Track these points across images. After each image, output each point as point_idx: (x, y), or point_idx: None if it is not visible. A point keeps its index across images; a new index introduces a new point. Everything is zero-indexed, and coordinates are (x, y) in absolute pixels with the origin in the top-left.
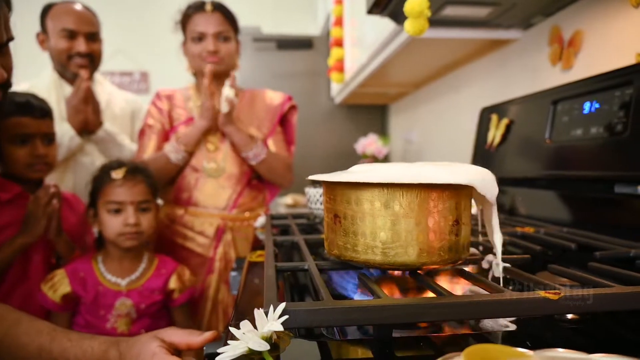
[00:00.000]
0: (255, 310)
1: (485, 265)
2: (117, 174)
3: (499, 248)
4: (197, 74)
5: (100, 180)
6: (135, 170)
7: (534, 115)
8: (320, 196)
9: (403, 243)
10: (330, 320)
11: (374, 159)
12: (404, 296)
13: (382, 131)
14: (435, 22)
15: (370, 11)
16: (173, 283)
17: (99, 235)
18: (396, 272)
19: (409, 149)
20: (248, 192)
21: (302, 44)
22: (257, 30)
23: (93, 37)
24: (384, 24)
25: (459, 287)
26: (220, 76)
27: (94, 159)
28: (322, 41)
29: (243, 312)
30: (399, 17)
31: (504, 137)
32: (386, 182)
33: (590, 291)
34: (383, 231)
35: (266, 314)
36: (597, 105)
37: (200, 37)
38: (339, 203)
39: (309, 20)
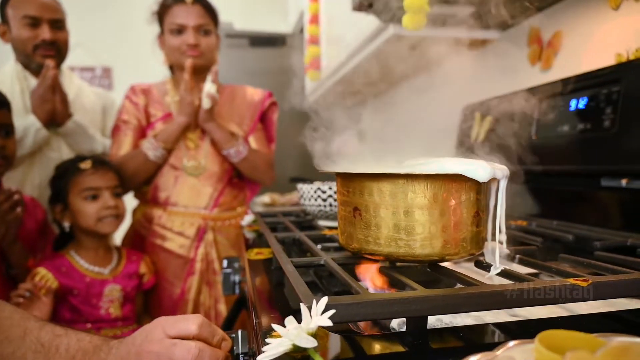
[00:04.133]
0: (301, 305)
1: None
2: (85, 165)
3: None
4: (175, 67)
5: (67, 173)
6: (101, 161)
7: (520, 112)
8: (315, 192)
9: (427, 235)
10: (372, 314)
11: None
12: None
13: (356, 129)
14: None
15: (356, 8)
16: (143, 268)
17: (61, 233)
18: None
19: (384, 148)
20: (229, 191)
21: (275, 41)
22: (229, 26)
23: (58, 24)
24: (365, 22)
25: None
26: (199, 71)
27: (62, 154)
28: (296, 39)
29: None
30: (384, 14)
31: (489, 134)
32: (410, 173)
33: (618, 277)
34: (407, 223)
35: (309, 309)
36: (584, 102)
37: (180, 30)
38: (359, 195)
39: (279, 17)
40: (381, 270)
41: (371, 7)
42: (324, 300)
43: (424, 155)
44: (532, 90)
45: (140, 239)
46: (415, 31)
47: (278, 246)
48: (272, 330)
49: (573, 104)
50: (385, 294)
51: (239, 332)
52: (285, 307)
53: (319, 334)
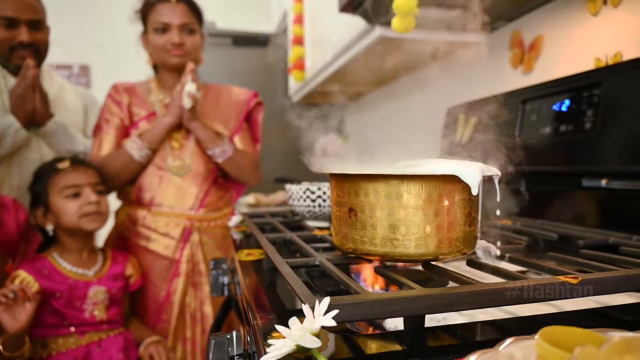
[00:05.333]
0: (303, 306)
1: (479, 253)
2: (63, 164)
3: None
4: (160, 67)
5: (45, 175)
6: (79, 160)
7: (504, 114)
8: (304, 193)
9: (423, 235)
10: (373, 313)
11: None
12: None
13: (339, 130)
14: None
15: (343, 9)
16: (129, 269)
17: (45, 238)
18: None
19: (365, 149)
20: (215, 191)
21: (259, 41)
22: (212, 25)
23: (37, 25)
24: (352, 23)
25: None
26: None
27: (43, 155)
28: (279, 39)
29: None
30: (371, 16)
31: (473, 135)
32: (406, 174)
33: (606, 274)
34: (403, 223)
35: (311, 309)
36: (566, 105)
37: (164, 28)
38: (354, 196)
39: (262, 17)
40: (376, 270)
41: (358, 9)
42: (326, 300)
43: (406, 155)
44: (515, 93)
45: (124, 241)
46: (405, 33)
47: (271, 247)
48: (272, 331)
49: (556, 106)
50: (385, 294)
51: (233, 333)
52: (280, 308)
53: (321, 334)
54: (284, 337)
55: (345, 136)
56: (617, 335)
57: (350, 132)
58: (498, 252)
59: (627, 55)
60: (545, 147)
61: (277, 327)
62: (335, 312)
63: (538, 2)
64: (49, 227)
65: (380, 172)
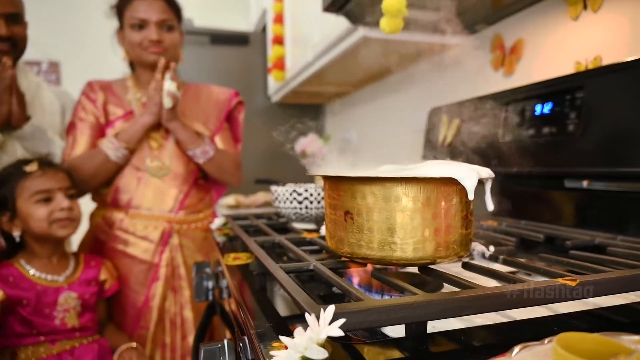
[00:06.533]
0: (307, 316)
1: (473, 255)
2: (31, 167)
3: None
4: (137, 64)
5: (12, 179)
6: (48, 162)
7: (487, 116)
8: (290, 194)
9: (421, 238)
10: (379, 321)
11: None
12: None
13: (319, 131)
14: None
15: (327, 9)
16: (104, 274)
17: (8, 241)
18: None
19: (346, 149)
20: (195, 193)
21: (237, 39)
22: (189, 22)
23: (15, 18)
24: (334, 23)
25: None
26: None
27: (17, 158)
28: (258, 38)
29: (254, 319)
30: (354, 15)
31: (456, 137)
32: (404, 176)
33: (603, 276)
34: (401, 226)
35: (317, 318)
36: (549, 107)
37: (141, 25)
38: (350, 199)
39: (240, 15)
40: (373, 275)
41: (342, 9)
42: (331, 308)
43: (389, 157)
44: (499, 95)
45: (100, 245)
46: (393, 34)
47: (262, 251)
48: (271, 340)
49: (538, 108)
50: (390, 300)
51: (224, 342)
52: (274, 315)
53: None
54: (286, 347)
55: (325, 137)
56: (626, 338)
57: (331, 132)
58: (491, 254)
59: (607, 59)
60: (528, 148)
61: (282, 338)
62: (342, 321)
63: (519, 5)
64: (16, 233)
65: (378, 175)
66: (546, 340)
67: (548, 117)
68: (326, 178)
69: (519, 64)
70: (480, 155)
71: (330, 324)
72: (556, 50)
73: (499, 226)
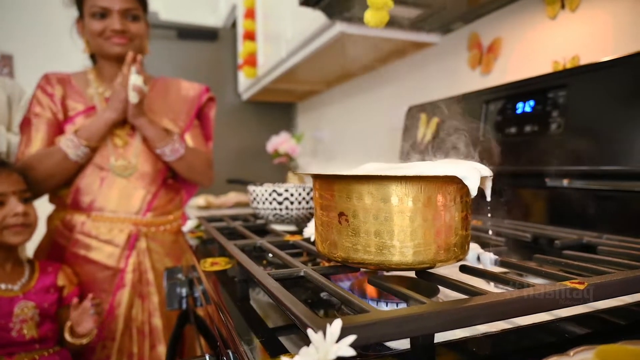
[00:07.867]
0: (312, 333)
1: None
2: None
3: None
4: (99, 56)
5: None
6: (0, 162)
7: (467, 114)
8: (270, 195)
9: (422, 241)
10: (388, 334)
11: (288, 157)
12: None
13: (290, 129)
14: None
15: (304, 3)
16: (62, 280)
17: None
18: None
19: (318, 148)
20: (164, 193)
21: (206, 34)
22: (154, 16)
23: None
24: (310, 18)
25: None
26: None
27: None
28: (227, 33)
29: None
30: (332, 10)
31: (435, 135)
32: (405, 175)
33: (607, 278)
34: (401, 229)
35: (324, 334)
36: (530, 106)
37: (103, 14)
38: (345, 200)
39: (208, 10)
40: (370, 281)
41: (319, 3)
42: (338, 323)
43: (365, 155)
44: (478, 93)
45: (59, 250)
46: (377, 27)
47: (244, 256)
48: (264, 357)
49: (520, 107)
50: (398, 311)
51: (207, 356)
52: (260, 326)
53: None
54: None
55: (298, 136)
56: None
57: (304, 131)
58: (489, 256)
59: (585, 59)
60: (509, 147)
61: (283, 358)
62: (352, 337)
63: (496, 4)
64: None
65: (376, 174)
66: (572, 353)
67: (529, 116)
68: (317, 177)
69: (496, 63)
70: (461, 154)
71: (337, 341)
72: (534, 49)
73: (483, 225)
